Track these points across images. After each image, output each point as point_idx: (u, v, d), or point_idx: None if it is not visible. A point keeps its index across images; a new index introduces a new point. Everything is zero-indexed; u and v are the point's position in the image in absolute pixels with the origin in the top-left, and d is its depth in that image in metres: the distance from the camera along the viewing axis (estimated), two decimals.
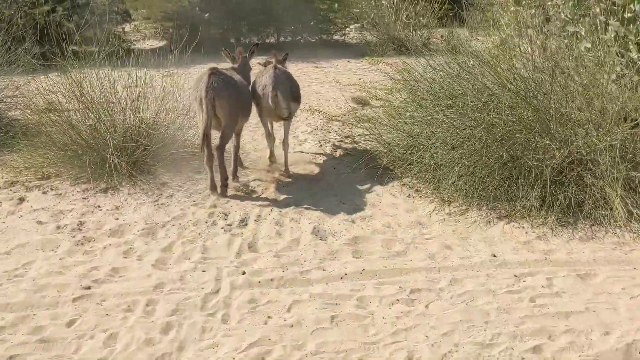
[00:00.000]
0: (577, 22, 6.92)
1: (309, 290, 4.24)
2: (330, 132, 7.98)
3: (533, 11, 8.30)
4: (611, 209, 5.14)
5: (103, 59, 6.91)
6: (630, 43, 6.22)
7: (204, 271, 4.50)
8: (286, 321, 3.88)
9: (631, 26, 6.24)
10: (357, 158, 6.70)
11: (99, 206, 5.64)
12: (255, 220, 5.38)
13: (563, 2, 7.45)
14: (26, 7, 12.47)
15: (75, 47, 7.70)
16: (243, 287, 4.28)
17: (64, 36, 7.18)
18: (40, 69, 8.43)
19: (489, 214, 5.37)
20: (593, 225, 5.14)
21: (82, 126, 6.39)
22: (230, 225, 5.29)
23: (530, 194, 5.32)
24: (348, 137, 7.74)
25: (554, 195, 5.29)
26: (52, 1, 12.83)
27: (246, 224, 5.31)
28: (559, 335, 3.70)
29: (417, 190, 5.99)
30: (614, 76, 6.03)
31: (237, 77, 6.28)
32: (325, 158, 7.01)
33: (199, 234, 5.12)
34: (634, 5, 6.28)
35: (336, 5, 16.15)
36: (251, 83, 6.57)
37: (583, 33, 6.71)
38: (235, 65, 6.68)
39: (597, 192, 5.23)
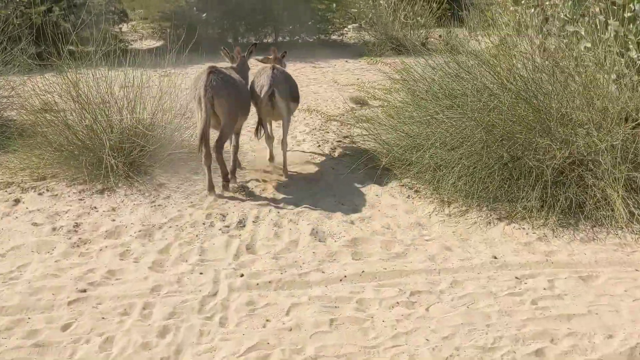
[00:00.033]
0: (577, 22, 6.88)
1: (308, 293, 4.19)
2: (328, 132, 7.93)
3: (532, 10, 8.26)
4: (612, 210, 5.09)
5: (100, 59, 6.85)
6: (630, 42, 6.18)
7: (201, 273, 4.44)
8: (285, 324, 3.83)
9: (631, 25, 6.21)
10: (355, 158, 6.64)
11: (95, 207, 5.58)
12: (253, 222, 5.33)
13: (562, 1, 7.41)
14: (22, 7, 12.42)
15: (71, 47, 7.64)
16: (241, 290, 4.22)
17: (60, 36, 7.11)
18: (36, 69, 8.37)
19: (489, 215, 5.32)
20: (594, 226, 5.09)
21: (78, 126, 6.34)
22: (228, 226, 5.23)
23: (530, 195, 5.27)
24: (346, 137, 7.69)
25: (554, 196, 5.24)
26: (49, 1, 12.77)
27: (244, 226, 5.26)
28: (561, 338, 3.65)
29: (416, 191, 5.94)
30: (613, 76, 5.99)
31: (235, 75, 6.24)
32: (323, 158, 6.96)
33: (197, 235, 5.06)
34: (633, 4, 6.24)
35: (334, 5, 16.11)
36: (249, 83, 6.51)
37: (583, 33, 6.67)
38: (234, 65, 6.63)
39: (598, 193, 5.18)
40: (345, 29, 17.27)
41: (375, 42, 14.79)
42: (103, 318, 3.89)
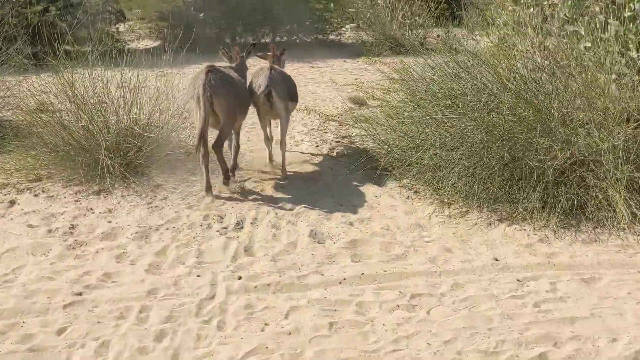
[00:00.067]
0: (576, 22, 6.84)
1: (307, 296, 4.12)
2: (327, 133, 7.87)
3: (532, 10, 8.22)
4: (614, 211, 5.04)
5: (96, 59, 6.79)
6: (630, 42, 6.13)
7: (198, 276, 4.38)
8: (284, 328, 3.77)
9: (631, 25, 6.16)
10: (354, 159, 6.59)
11: (91, 209, 5.51)
12: (251, 223, 5.27)
13: (562, 1, 7.37)
14: (19, 7, 12.34)
15: (68, 47, 7.58)
16: (239, 293, 4.16)
17: (55, 36, 7.04)
18: (32, 69, 8.30)
19: (489, 216, 5.27)
20: (596, 227, 5.04)
21: (74, 127, 6.27)
22: (225, 228, 5.17)
23: (531, 196, 5.21)
24: (345, 137, 7.64)
25: (555, 196, 5.19)
26: (45, 1, 12.70)
27: (242, 227, 5.20)
28: (564, 342, 3.59)
29: (416, 192, 5.88)
30: (613, 76, 5.94)
31: (234, 74, 6.19)
32: (322, 159, 6.90)
33: (194, 237, 5.00)
34: (633, 3, 6.20)
35: (332, 4, 16.05)
36: (248, 83, 6.47)
37: (583, 32, 6.63)
38: (233, 65, 6.59)
39: (600, 194, 5.13)
40: (343, 28, 17.21)
41: (373, 42, 14.74)
42: (99, 322, 3.82)
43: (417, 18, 14.84)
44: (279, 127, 6.43)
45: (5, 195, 5.76)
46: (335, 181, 6.23)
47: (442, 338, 3.64)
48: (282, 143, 6.29)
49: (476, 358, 3.46)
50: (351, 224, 5.27)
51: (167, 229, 5.14)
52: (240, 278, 4.34)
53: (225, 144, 6.11)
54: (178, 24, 13.42)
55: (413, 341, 3.62)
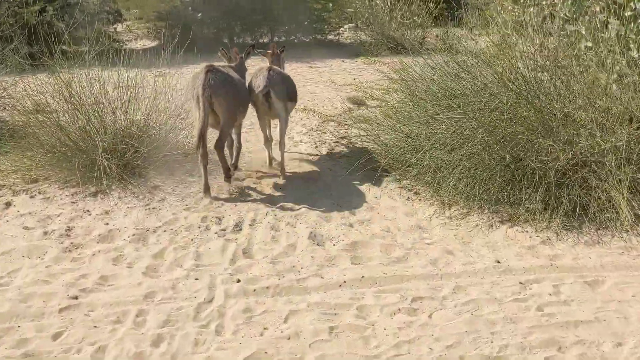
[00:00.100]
0: (577, 21, 6.79)
1: (307, 299, 4.06)
2: (326, 133, 7.81)
3: (532, 9, 8.17)
4: (617, 213, 4.99)
5: (93, 59, 6.72)
6: (630, 42, 6.08)
7: (196, 279, 4.32)
8: (283, 333, 3.70)
9: (632, 25, 6.11)
10: (354, 159, 6.52)
11: (88, 211, 5.45)
12: (250, 225, 5.21)
13: (562, 0, 7.32)
14: (16, 7, 12.27)
15: (65, 47, 7.51)
16: (238, 296, 4.10)
17: (52, 36, 6.97)
18: (28, 69, 8.23)
19: (491, 218, 5.21)
20: (599, 229, 4.98)
21: (71, 128, 6.20)
22: (224, 230, 5.11)
23: (533, 197, 5.16)
24: (344, 138, 7.57)
25: (557, 198, 5.13)
26: (43, 0, 12.63)
27: (240, 229, 5.13)
28: (569, 346, 3.53)
29: (416, 193, 5.82)
30: (614, 76, 5.89)
31: (233, 74, 6.17)
32: (321, 159, 6.84)
33: (192, 239, 4.94)
34: (634, 3, 6.15)
35: (330, 4, 16.00)
36: (246, 83, 6.41)
37: (583, 32, 6.58)
38: (232, 64, 6.54)
39: (603, 195, 5.07)
40: (342, 28, 17.15)
41: (371, 42, 14.69)
42: (95, 326, 3.76)
43: (415, 18, 14.78)
44: (278, 128, 6.38)
45: (1, 196, 5.70)
46: (335, 182, 6.17)
47: (445, 343, 3.58)
48: (281, 143, 6.24)
49: None
50: (351, 225, 5.21)
51: (164, 231, 5.08)
52: (238, 281, 4.28)
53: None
54: (176, 24, 13.34)
55: (415, 346, 3.56)
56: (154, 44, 14.67)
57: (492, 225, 5.10)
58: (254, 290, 4.17)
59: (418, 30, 14.68)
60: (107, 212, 5.42)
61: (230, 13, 15.17)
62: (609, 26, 6.18)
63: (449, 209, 5.43)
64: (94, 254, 4.68)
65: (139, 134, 6.14)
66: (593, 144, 5.22)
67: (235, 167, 6.37)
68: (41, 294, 4.09)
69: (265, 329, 3.75)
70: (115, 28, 15.85)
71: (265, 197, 5.79)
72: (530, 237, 4.90)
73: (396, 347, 3.55)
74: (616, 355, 3.45)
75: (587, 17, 6.62)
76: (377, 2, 15.25)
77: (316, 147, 7.26)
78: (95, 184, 5.84)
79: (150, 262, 4.55)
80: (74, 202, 5.60)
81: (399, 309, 3.93)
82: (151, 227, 5.14)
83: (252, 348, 3.54)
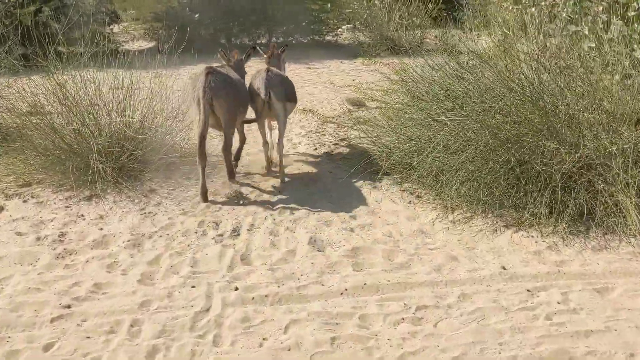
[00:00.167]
0: (579, 22, 6.69)
1: (307, 308, 3.92)
2: (325, 135, 7.68)
3: (533, 9, 8.07)
4: (624, 217, 4.86)
5: (88, 60, 6.59)
6: (634, 42, 5.98)
7: (193, 287, 4.18)
8: (283, 344, 3.57)
9: (635, 25, 6.01)
10: (354, 162, 6.40)
11: (82, 215, 5.32)
12: (248, 230, 5.07)
13: (563, 1, 7.23)
14: (12, 7, 12.15)
15: (62, 48, 7.39)
16: (236, 305, 3.97)
17: (46, 36, 6.85)
18: (23, 70, 8.09)
19: (495, 222, 5.09)
20: (606, 233, 4.85)
21: (65, 130, 6.08)
22: (221, 235, 4.98)
23: (538, 201, 5.03)
24: (344, 139, 7.45)
25: (563, 202, 5.00)
26: (38, 1, 12.50)
27: (238, 234, 5.00)
28: (580, 357, 3.40)
29: (418, 197, 5.70)
30: (617, 77, 5.79)
31: (233, 74, 6.10)
32: (320, 162, 6.71)
33: (188, 245, 4.80)
34: (637, 3, 6.05)
35: (328, 5, 15.90)
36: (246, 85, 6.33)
37: (586, 32, 6.48)
38: (231, 63, 6.45)
39: (609, 199, 4.95)
40: (340, 29, 17.05)
41: (370, 42, 14.58)
42: (88, 337, 3.62)
43: (414, 19, 14.68)
44: (277, 129, 6.26)
45: None
46: (335, 185, 6.04)
47: (451, 354, 3.45)
48: (280, 145, 6.13)
49: None
50: (352, 230, 5.08)
51: (160, 236, 4.95)
52: (236, 289, 4.14)
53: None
54: (173, 24, 13.22)
55: (420, 357, 3.43)
56: (150, 45, 14.53)
57: (496, 230, 4.98)
58: (253, 298, 4.03)
59: (417, 31, 14.57)
60: (101, 217, 5.28)
61: (228, 14, 15.06)
62: (612, 27, 6.08)
63: (452, 213, 5.31)
64: (87, 261, 4.55)
65: (135, 136, 6.01)
66: (599, 146, 5.09)
67: (238, 158, 6.38)
68: (33, 303, 3.96)
69: (264, 339, 3.62)
70: (111, 29, 15.72)
71: (263, 200, 5.66)
72: (536, 242, 4.77)
73: (400, 358, 3.42)
74: None
75: (589, 18, 6.52)
76: (376, 2, 15.15)
77: (315, 149, 7.14)
78: (89, 187, 5.72)
79: (145, 269, 4.42)
80: (67, 207, 5.47)
81: (403, 318, 3.79)
82: (147, 232, 5.01)
83: None
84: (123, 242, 4.83)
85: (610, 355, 3.42)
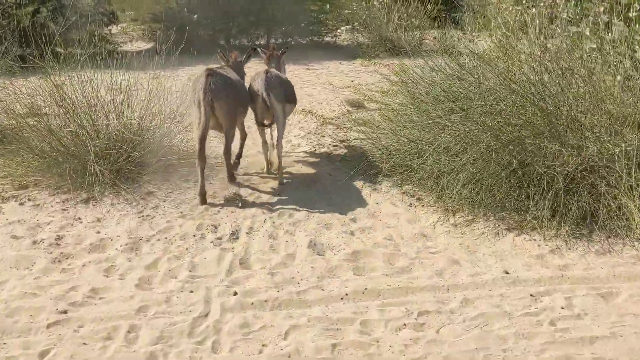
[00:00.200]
0: (580, 22, 6.64)
1: (307, 314, 3.86)
2: (324, 136, 7.62)
3: (534, 10, 8.01)
4: (628, 220, 4.80)
5: (86, 61, 6.53)
6: (635, 43, 5.93)
7: (191, 291, 4.12)
8: (283, 350, 3.50)
9: (637, 26, 5.96)
10: (353, 164, 6.33)
11: (79, 218, 5.25)
12: (247, 233, 5.01)
13: (564, 1, 7.18)
14: (9, 8, 12.09)
15: (60, 49, 7.33)
16: (235, 310, 3.90)
17: (44, 37, 6.78)
18: (20, 72, 8.02)
19: (497, 225, 5.02)
20: (609, 237, 4.79)
21: (62, 132, 6.01)
22: (220, 238, 4.91)
23: (540, 204, 4.97)
24: (343, 141, 7.38)
25: (566, 204, 4.94)
26: (36, 2, 12.44)
27: (237, 238, 4.94)
28: None
29: (418, 199, 5.64)
30: (618, 77, 5.74)
31: (233, 74, 6.08)
32: (320, 163, 6.65)
33: (187, 249, 4.74)
34: (638, 3, 6.00)
35: (327, 6, 15.86)
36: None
37: (587, 33, 6.43)
38: (230, 63, 6.40)
39: (612, 202, 4.89)
40: (339, 30, 17.01)
41: (369, 43, 14.54)
42: (84, 343, 3.56)
43: (413, 20, 14.63)
44: (276, 130, 6.20)
45: None
46: (334, 187, 5.98)
47: None
48: (279, 146, 6.08)
49: None
50: (352, 233, 5.02)
51: (158, 239, 4.89)
52: (235, 294, 4.08)
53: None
54: (171, 25, 13.18)
55: None
56: (149, 46, 14.49)
57: (498, 233, 4.92)
58: (252, 303, 3.97)
59: (416, 32, 14.52)
60: (98, 220, 5.22)
61: (227, 14, 15.01)
62: (613, 28, 6.03)
63: (453, 215, 5.25)
64: (84, 265, 4.48)
65: (133, 138, 5.95)
66: (602, 148, 5.04)
67: (240, 156, 6.38)
68: (28, 308, 3.89)
69: (264, 345, 3.56)
70: (109, 30, 15.67)
71: (262, 203, 5.60)
72: (539, 245, 4.71)
73: None
74: None
75: (590, 19, 6.47)
76: (375, 3, 15.10)
77: (315, 150, 7.08)
78: (87, 190, 5.65)
79: (143, 274, 4.35)
80: (64, 210, 5.40)
81: (405, 324, 3.73)
82: (144, 235, 4.94)
83: None
84: (120, 246, 4.76)
85: None
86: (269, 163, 6.39)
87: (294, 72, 11.98)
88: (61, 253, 4.65)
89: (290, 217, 5.30)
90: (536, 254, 4.60)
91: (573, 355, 3.41)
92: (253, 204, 5.57)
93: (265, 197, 5.73)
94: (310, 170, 6.46)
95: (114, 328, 3.70)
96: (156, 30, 14.37)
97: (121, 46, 14.17)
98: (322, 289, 4.14)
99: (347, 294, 4.07)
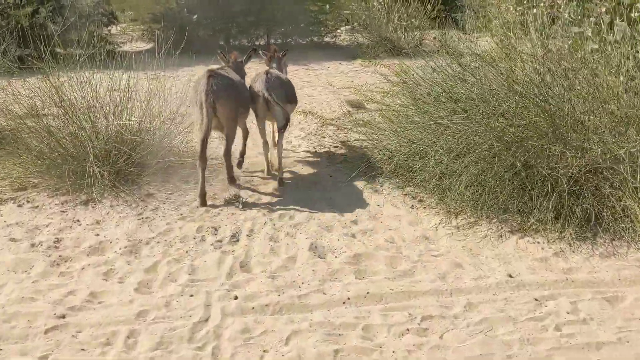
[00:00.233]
0: (582, 23, 6.60)
1: (309, 318, 3.80)
2: (325, 137, 7.57)
3: (535, 10, 7.97)
4: (632, 222, 4.75)
5: (85, 62, 6.48)
6: (638, 44, 5.88)
7: (191, 295, 4.06)
8: (284, 356, 3.44)
9: (639, 26, 5.91)
10: (354, 165, 6.29)
11: (78, 220, 5.20)
12: (247, 236, 4.96)
13: (565, 2, 7.13)
14: (8, 8, 12.04)
15: (58, 50, 7.28)
16: (235, 315, 3.85)
17: (43, 38, 6.73)
18: (19, 72, 7.96)
19: (500, 228, 4.97)
20: (614, 239, 4.74)
21: (61, 133, 5.96)
22: (220, 241, 4.86)
23: (544, 206, 4.91)
24: (344, 142, 7.34)
25: (569, 207, 4.89)
26: (35, 2, 12.39)
27: (238, 240, 4.89)
28: None
29: (420, 201, 5.59)
30: (621, 78, 5.69)
31: (234, 75, 6.04)
32: (320, 165, 6.60)
33: (187, 251, 4.69)
34: None
35: (327, 6, 15.82)
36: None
37: (589, 33, 6.39)
38: (230, 63, 6.36)
39: (617, 204, 4.84)
40: (338, 31, 16.97)
41: (369, 44, 14.50)
42: (83, 349, 3.50)
43: (413, 20, 14.60)
44: (276, 132, 6.16)
45: None
46: (335, 188, 5.93)
47: None
48: (279, 146, 6.04)
49: None
50: (353, 236, 4.97)
51: (158, 242, 4.83)
52: (236, 298, 4.02)
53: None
54: (171, 25, 13.14)
55: None
56: (149, 46, 14.44)
57: (501, 236, 4.87)
58: (253, 308, 3.92)
59: (416, 32, 14.48)
60: (98, 222, 5.17)
61: (227, 15, 14.97)
62: (615, 28, 5.99)
63: (456, 218, 5.20)
64: (83, 268, 4.43)
65: (132, 139, 5.90)
66: (606, 150, 4.99)
67: (244, 153, 6.35)
68: (26, 313, 3.83)
69: (265, 351, 3.50)
70: (109, 30, 15.61)
71: (263, 205, 5.55)
72: (542, 248, 4.66)
73: None
74: None
75: (592, 19, 6.43)
76: (374, 4, 15.07)
77: (315, 151, 7.03)
78: (86, 191, 5.60)
79: (142, 277, 4.30)
80: (63, 212, 5.35)
81: (408, 329, 3.68)
82: (144, 238, 4.89)
83: None
84: (120, 249, 4.71)
85: None
86: (270, 164, 6.34)
87: (293, 73, 11.92)
88: (60, 256, 4.60)
89: (291, 219, 5.26)
90: (540, 257, 4.55)
91: None
92: (253, 206, 5.51)
93: (265, 199, 5.68)
94: (310, 171, 6.42)
95: (113, 333, 3.64)
96: (156, 31, 14.31)
97: (121, 46, 14.12)
98: (324, 293, 4.09)
99: (349, 298, 4.02)
